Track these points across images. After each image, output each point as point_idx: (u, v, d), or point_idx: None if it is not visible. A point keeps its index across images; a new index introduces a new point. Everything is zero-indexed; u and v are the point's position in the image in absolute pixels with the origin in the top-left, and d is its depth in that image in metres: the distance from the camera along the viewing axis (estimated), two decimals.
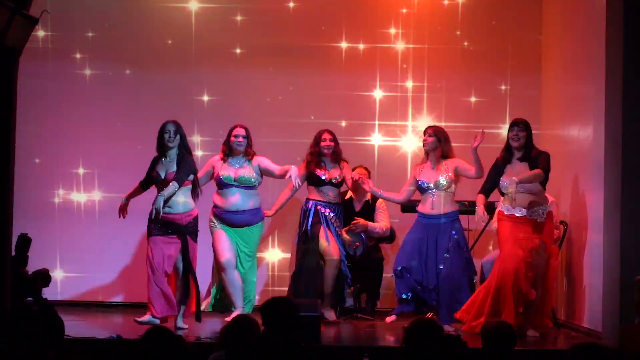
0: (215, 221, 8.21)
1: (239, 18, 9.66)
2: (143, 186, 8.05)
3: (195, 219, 7.90)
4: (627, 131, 7.19)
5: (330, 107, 9.51)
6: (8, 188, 6.15)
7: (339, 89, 9.63)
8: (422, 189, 8.23)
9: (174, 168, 7.83)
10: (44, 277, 6.55)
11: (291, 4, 9.67)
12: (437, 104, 9.67)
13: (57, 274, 9.37)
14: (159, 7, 9.66)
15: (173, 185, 7.73)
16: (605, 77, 7.48)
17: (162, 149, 7.89)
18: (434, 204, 8.16)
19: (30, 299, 6.43)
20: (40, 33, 9.50)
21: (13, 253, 6.67)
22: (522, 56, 9.64)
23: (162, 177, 7.84)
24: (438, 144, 8.20)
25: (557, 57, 9.31)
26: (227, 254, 8.11)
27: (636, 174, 7.15)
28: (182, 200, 7.80)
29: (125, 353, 6.49)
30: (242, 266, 8.19)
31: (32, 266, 7.61)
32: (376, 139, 9.66)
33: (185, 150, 7.90)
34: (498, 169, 7.86)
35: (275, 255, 9.60)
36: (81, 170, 9.65)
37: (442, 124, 9.58)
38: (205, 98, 9.62)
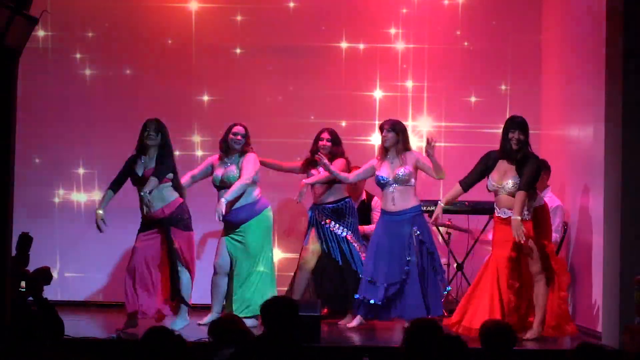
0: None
1: (239, 18, 9.66)
2: (114, 189, 7.93)
3: (180, 207, 7.84)
4: (627, 131, 7.19)
5: (330, 107, 9.50)
6: (8, 188, 6.14)
7: (339, 89, 9.62)
8: (382, 185, 8.16)
9: (153, 165, 7.81)
10: (45, 274, 6.54)
11: (291, 4, 9.67)
12: (437, 104, 9.66)
13: (57, 274, 9.37)
14: (159, 7, 9.66)
15: (153, 181, 7.70)
16: (605, 77, 7.48)
17: (142, 147, 7.88)
18: (395, 200, 8.12)
19: (31, 298, 6.43)
20: (40, 33, 9.50)
21: (14, 252, 6.68)
22: (522, 56, 9.63)
23: (140, 174, 7.83)
24: (397, 139, 8.17)
25: (557, 57, 9.31)
26: (217, 258, 8.20)
27: (636, 174, 7.15)
28: (159, 197, 7.77)
29: (125, 353, 6.49)
30: (238, 270, 8.17)
31: (32, 266, 7.62)
32: (376, 139, 9.64)
33: (166, 150, 7.86)
34: (489, 165, 7.68)
35: (276, 255, 9.57)
36: (81, 170, 9.65)
37: (442, 124, 9.60)
38: (205, 98, 9.62)
